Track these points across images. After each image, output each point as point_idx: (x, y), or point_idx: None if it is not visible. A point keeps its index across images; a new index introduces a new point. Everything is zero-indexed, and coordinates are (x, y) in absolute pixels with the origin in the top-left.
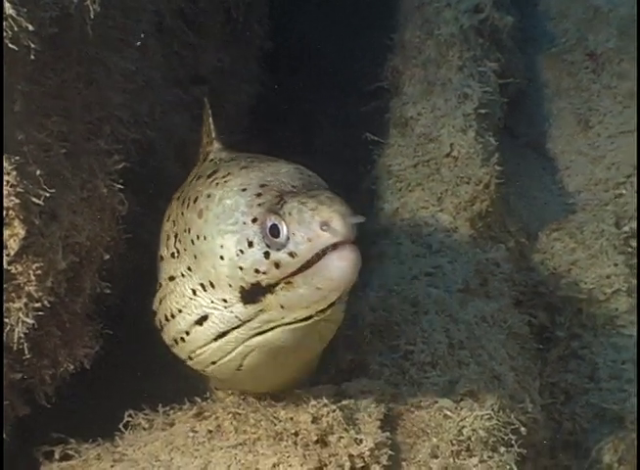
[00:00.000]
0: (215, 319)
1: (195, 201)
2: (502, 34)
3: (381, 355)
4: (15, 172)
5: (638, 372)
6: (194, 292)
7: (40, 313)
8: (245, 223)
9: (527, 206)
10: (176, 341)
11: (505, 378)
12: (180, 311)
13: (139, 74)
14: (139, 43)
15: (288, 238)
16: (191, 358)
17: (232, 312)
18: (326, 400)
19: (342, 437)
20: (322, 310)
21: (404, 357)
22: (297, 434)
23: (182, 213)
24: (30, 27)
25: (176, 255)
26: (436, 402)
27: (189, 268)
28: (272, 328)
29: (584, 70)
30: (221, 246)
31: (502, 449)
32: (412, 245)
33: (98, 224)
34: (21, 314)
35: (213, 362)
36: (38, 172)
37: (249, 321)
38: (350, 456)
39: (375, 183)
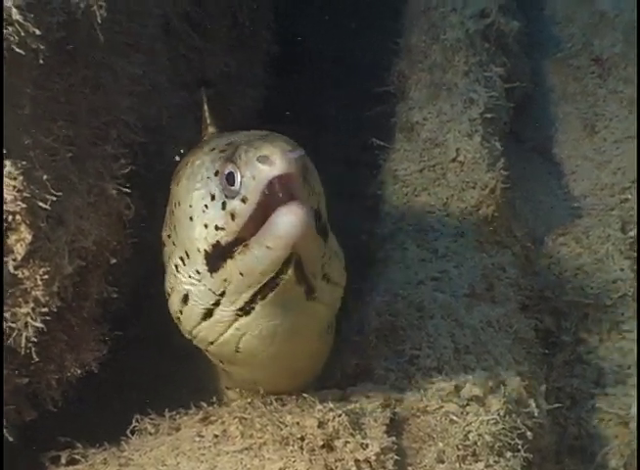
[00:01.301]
0: (194, 296)
1: (176, 173)
2: (508, 39)
3: (386, 360)
4: (21, 177)
5: (638, 374)
6: (176, 268)
7: (47, 318)
8: (209, 178)
9: (533, 210)
10: (178, 320)
11: (511, 383)
12: (172, 290)
13: (145, 78)
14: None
15: (241, 184)
16: (193, 336)
17: (205, 285)
18: (332, 405)
19: (348, 441)
20: (283, 272)
21: (410, 362)
22: (303, 438)
23: (170, 190)
24: (37, 32)
25: (169, 233)
26: (442, 407)
27: (174, 243)
28: (252, 306)
29: (590, 75)
30: (190, 205)
31: (508, 454)
32: (418, 249)
33: (104, 228)
34: (28, 319)
35: (211, 342)
36: (45, 177)
37: (222, 296)
38: (356, 461)
39: (381, 188)
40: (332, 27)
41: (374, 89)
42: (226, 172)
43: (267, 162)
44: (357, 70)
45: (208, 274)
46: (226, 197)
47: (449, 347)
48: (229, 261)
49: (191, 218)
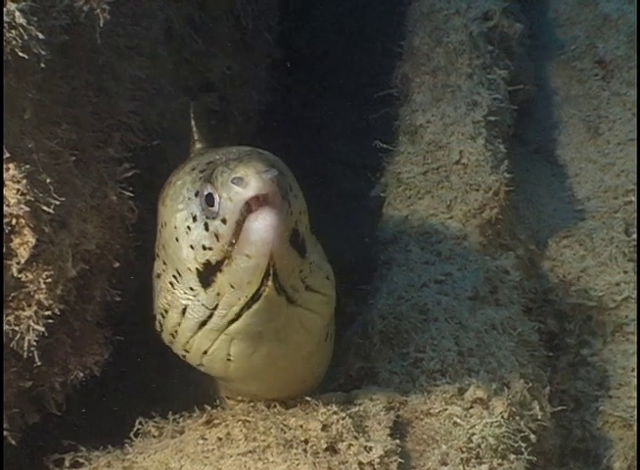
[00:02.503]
0: (191, 311)
1: (162, 193)
2: (511, 41)
3: (390, 363)
4: (25, 181)
5: (638, 374)
6: (172, 285)
7: (50, 321)
8: (189, 199)
9: (537, 213)
10: (172, 335)
11: (515, 385)
12: (170, 306)
13: (149, 82)
14: (149, 51)
15: (219, 205)
16: (187, 351)
17: (199, 301)
18: (335, 408)
19: (351, 444)
20: (264, 283)
21: (414, 365)
22: (306, 441)
23: (158, 209)
24: (40, 36)
25: (159, 252)
26: (446, 410)
27: (164, 262)
28: (240, 315)
29: (594, 78)
30: (175, 227)
31: (512, 457)
32: (421, 252)
33: (108, 232)
34: (31, 322)
35: (205, 352)
36: (48, 180)
37: (215, 309)
38: (360, 464)
39: (384, 190)
40: (335, 30)
41: (377, 92)
42: (205, 193)
43: (242, 183)
44: (361, 73)
45: (202, 290)
46: (207, 218)
47: (453, 349)
48: (219, 275)
49: (177, 239)
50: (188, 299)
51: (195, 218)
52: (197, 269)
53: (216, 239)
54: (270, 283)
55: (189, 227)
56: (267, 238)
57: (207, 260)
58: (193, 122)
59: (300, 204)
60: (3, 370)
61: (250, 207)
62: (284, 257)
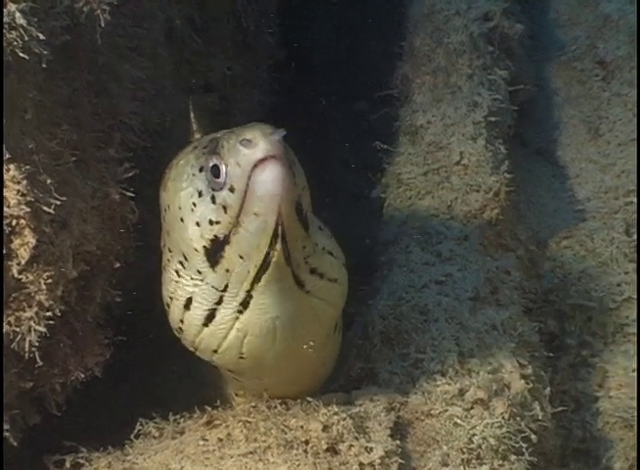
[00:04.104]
0: (198, 297)
1: (162, 179)
2: (512, 42)
3: (391, 364)
4: (25, 181)
5: (638, 375)
6: (177, 273)
7: (51, 322)
8: (194, 175)
9: (537, 213)
10: (177, 331)
11: (515, 386)
12: (172, 299)
13: (149, 82)
14: (149, 51)
15: (226, 174)
16: (195, 348)
17: (208, 283)
18: (336, 409)
19: (352, 445)
20: (273, 245)
21: (414, 366)
22: (307, 442)
23: (159, 198)
24: (41, 37)
25: (164, 242)
26: (447, 411)
27: (169, 250)
28: (250, 296)
29: (594, 78)
30: (179, 207)
31: (513, 457)
32: (422, 253)
33: (108, 233)
34: (32, 323)
35: (215, 351)
36: (49, 181)
37: (225, 290)
38: (361, 465)
39: (385, 191)
40: (336, 31)
41: (379, 93)
42: (210, 165)
43: (250, 145)
44: (361, 74)
45: (210, 270)
46: (213, 190)
47: (453, 350)
48: (227, 248)
49: (182, 220)
50: (195, 285)
51: (200, 193)
52: (204, 247)
53: (224, 210)
54: (279, 246)
55: (194, 204)
56: (275, 190)
57: (215, 236)
58: (192, 115)
59: (303, 181)
60: (3, 371)
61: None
62: (290, 215)
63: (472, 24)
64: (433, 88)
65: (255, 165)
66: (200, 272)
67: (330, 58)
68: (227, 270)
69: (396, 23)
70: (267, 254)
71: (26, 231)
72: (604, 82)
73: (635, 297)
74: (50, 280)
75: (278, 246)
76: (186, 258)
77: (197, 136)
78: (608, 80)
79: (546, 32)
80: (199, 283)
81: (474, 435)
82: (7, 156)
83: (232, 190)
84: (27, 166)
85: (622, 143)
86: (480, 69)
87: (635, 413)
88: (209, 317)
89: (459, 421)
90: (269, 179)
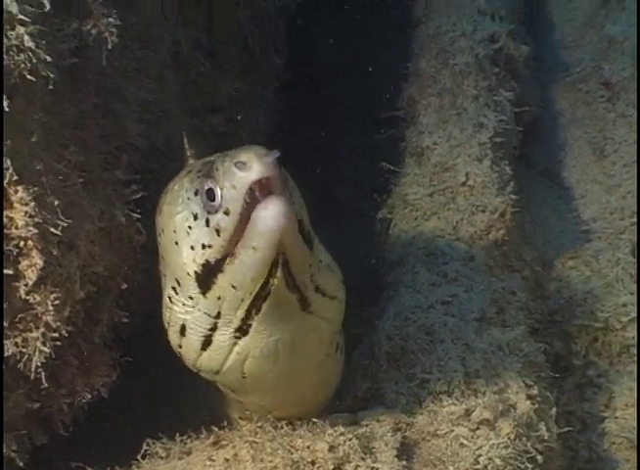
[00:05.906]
0: (191, 324)
1: (158, 205)
2: (517, 64)
3: (397, 384)
4: (33, 203)
5: (638, 386)
6: (170, 299)
7: (58, 343)
8: (189, 198)
9: (543, 234)
10: (178, 354)
11: (521, 406)
12: (168, 325)
13: (156, 104)
14: (156, 73)
15: (221, 197)
16: (197, 368)
17: (200, 310)
18: (342, 429)
19: (358, 465)
20: (272, 275)
21: (420, 386)
22: (313, 462)
23: (154, 223)
24: (49, 59)
25: (160, 266)
26: (453, 431)
27: (164, 274)
28: (248, 324)
29: (599, 99)
30: (174, 230)
31: None
32: (428, 273)
33: (116, 254)
34: (38, 344)
35: (217, 372)
36: (56, 203)
37: (219, 317)
38: None
39: (391, 212)
40: (343, 52)
41: (384, 114)
42: (206, 188)
43: (244, 167)
44: (367, 95)
45: (202, 296)
46: (208, 213)
47: (459, 370)
48: (220, 276)
49: (176, 243)
50: (187, 312)
51: (196, 217)
52: (195, 272)
53: (217, 234)
54: (279, 273)
55: (190, 227)
56: (277, 226)
57: (207, 261)
58: (185, 141)
59: (298, 197)
60: (3, 386)
61: (253, 194)
62: (295, 244)
63: (477, 46)
64: (438, 109)
65: (253, 193)
66: (191, 298)
67: (336, 78)
68: (219, 298)
69: (402, 45)
70: (266, 283)
71: (34, 252)
72: (609, 103)
73: None
74: (57, 301)
75: (279, 273)
76: (179, 283)
77: (190, 161)
78: (613, 102)
79: (551, 54)
80: (190, 309)
81: (480, 455)
82: (14, 177)
83: (227, 213)
84: (35, 188)
85: (628, 164)
86: (485, 90)
87: None
88: (206, 343)
89: (465, 441)
90: (270, 215)
